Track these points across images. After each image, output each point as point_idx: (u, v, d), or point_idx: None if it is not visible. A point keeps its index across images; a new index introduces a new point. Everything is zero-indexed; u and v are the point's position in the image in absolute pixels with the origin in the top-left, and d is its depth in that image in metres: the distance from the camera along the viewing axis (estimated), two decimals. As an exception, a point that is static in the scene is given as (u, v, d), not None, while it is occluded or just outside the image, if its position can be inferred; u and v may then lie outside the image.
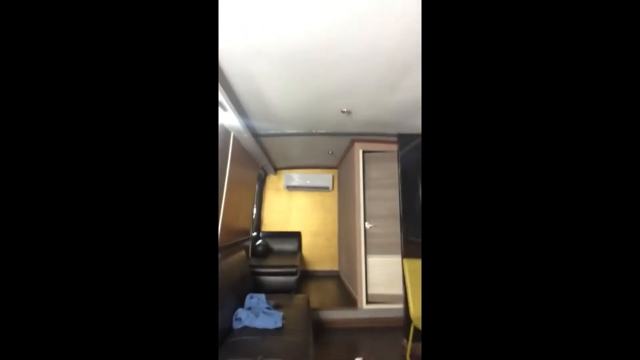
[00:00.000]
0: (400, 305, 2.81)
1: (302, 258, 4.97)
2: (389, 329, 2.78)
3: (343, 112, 2.64)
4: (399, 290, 2.97)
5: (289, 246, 4.85)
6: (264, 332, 1.77)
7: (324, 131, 3.24)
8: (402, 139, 2.67)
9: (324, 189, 5.28)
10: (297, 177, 5.21)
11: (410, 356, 2.19)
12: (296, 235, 5.06)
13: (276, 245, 4.79)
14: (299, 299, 2.50)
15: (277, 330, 1.80)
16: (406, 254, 2.42)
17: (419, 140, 2.71)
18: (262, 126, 3.04)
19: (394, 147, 2.84)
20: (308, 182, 5.21)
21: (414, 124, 2.89)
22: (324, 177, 5.24)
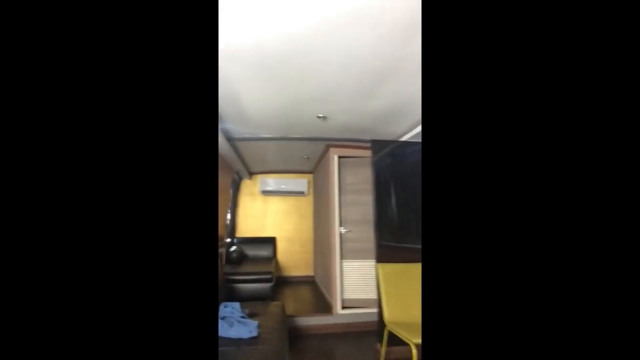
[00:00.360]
0: (375, 310, 2.85)
1: (277, 264, 4.91)
2: (363, 334, 2.80)
3: (319, 117, 2.65)
4: (373, 295, 3.01)
5: (264, 252, 4.78)
6: (238, 342, 1.72)
7: (299, 136, 3.24)
8: (376, 145, 2.72)
9: (300, 193, 5.26)
10: (272, 181, 5.16)
11: (386, 360, 2.22)
12: (271, 241, 5.00)
13: (251, 251, 4.70)
14: (274, 306, 2.47)
15: (253, 340, 1.76)
16: (380, 258, 2.46)
17: (392, 146, 2.77)
18: (237, 130, 2.99)
19: (368, 153, 2.89)
20: (283, 187, 5.17)
21: (388, 130, 2.96)
22: (300, 182, 5.22)
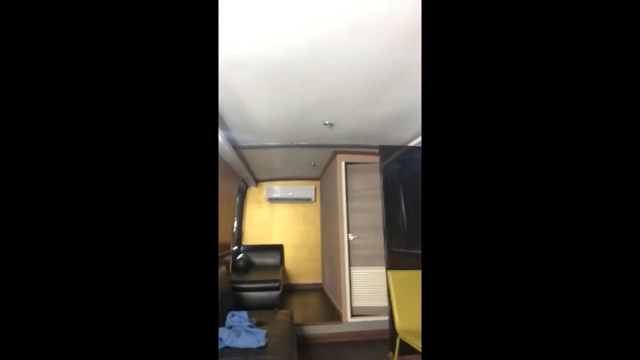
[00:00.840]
0: (385, 318, 2.80)
1: (284, 272, 4.88)
2: (374, 342, 2.75)
3: (325, 124, 2.65)
4: (383, 302, 2.96)
5: (270, 260, 4.75)
6: (246, 352, 1.70)
7: (306, 143, 3.24)
8: (384, 151, 2.70)
9: (307, 200, 5.25)
10: (278, 189, 5.16)
11: (397, 370, 2.17)
12: (278, 249, 4.97)
13: (258, 259, 4.68)
14: (282, 314, 2.44)
15: (261, 350, 1.73)
16: (390, 265, 2.42)
17: (401, 152, 2.76)
18: (243, 138, 3.00)
19: (376, 159, 2.87)
20: (290, 194, 5.17)
21: (395, 136, 2.94)
22: (306, 189, 5.21)
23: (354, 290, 3.10)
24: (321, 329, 2.91)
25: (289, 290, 4.81)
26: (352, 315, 2.99)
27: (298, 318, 3.08)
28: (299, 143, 3.23)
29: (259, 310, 2.51)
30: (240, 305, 3.00)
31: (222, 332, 1.82)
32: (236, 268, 4.01)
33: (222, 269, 2.59)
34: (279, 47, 1.52)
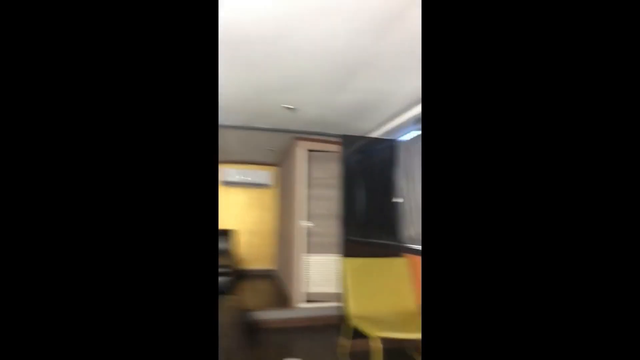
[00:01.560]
0: (338, 304, 2.85)
1: (237, 257, 4.77)
2: (325, 328, 2.79)
3: (287, 108, 2.57)
4: (337, 289, 3.01)
5: (221, 245, 4.60)
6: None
7: (265, 126, 3.12)
8: (347, 140, 2.70)
9: (264, 186, 5.13)
10: (235, 172, 4.97)
11: (350, 354, 2.22)
12: (229, 234, 4.83)
13: (209, 244, 4.50)
14: (230, 300, 2.38)
15: (207, 337, 1.67)
16: (346, 253, 2.45)
17: (363, 142, 2.77)
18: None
19: (337, 148, 2.86)
20: (248, 179, 5.01)
21: (358, 126, 2.95)
22: (264, 174, 5.09)
23: (310, 276, 3.11)
24: (272, 315, 2.89)
25: (242, 275, 4.72)
26: (308, 301, 3.00)
27: (250, 304, 3.03)
28: (258, 126, 3.11)
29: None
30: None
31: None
32: (185, 252, 3.82)
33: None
34: (244, 20, 1.41)
